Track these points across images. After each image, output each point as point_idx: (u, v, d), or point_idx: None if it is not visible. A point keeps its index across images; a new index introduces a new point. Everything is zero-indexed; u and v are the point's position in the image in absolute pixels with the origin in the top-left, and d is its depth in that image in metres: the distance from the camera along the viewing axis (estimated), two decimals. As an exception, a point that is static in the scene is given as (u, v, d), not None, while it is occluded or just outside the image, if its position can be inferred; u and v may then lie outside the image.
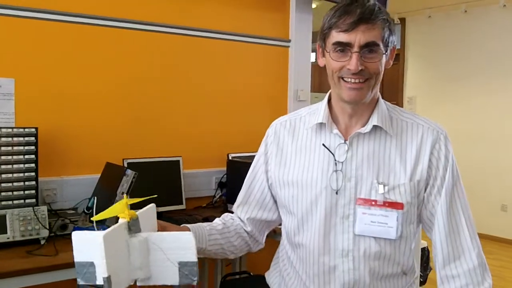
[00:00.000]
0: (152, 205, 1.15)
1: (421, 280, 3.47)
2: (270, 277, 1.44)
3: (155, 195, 1.15)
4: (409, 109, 6.37)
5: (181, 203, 2.69)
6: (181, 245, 1.05)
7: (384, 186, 1.17)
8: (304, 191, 1.24)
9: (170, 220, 2.52)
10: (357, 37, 1.11)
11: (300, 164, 1.27)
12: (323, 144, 1.24)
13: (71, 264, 1.91)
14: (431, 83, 6.36)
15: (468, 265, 1.19)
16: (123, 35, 2.67)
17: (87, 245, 0.99)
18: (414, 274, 1.31)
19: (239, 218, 1.38)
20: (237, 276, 2.70)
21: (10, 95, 2.37)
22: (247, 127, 3.07)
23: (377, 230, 1.17)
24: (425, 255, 3.56)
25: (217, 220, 1.35)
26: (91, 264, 1.00)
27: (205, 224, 1.30)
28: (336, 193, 1.20)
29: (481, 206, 5.82)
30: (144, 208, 1.11)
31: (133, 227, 1.04)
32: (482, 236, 5.22)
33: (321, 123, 1.26)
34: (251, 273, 2.66)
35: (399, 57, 6.52)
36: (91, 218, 1.17)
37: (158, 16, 2.80)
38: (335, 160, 1.22)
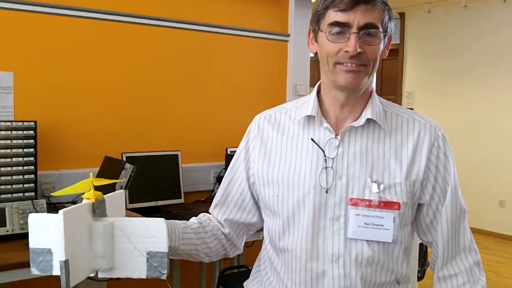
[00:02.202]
0: (122, 191, 1.05)
1: (419, 275, 3.49)
2: (251, 287, 1.32)
3: (123, 179, 1.05)
4: (408, 104, 6.38)
5: (180, 197, 2.70)
6: (151, 233, 0.93)
7: (378, 184, 1.08)
8: (290, 190, 1.13)
9: (169, 214, 2.54)
10: (356, 17, 1.02)
11: (286, 161, 1.15)
12: (312, 139, 1.13)
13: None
14: (430, 78, 6.36)
15: (465, 264, 1.18)
16: (121, 29, 2.67)
17: (44, 229, 0.88)
18: (408, 283, 1.23)
19: (216, 219, 1.26)
20: (236, 270, 2.71)
21: (9, 88, 2.37)
22: (246, 121, 3.04)
23: (372, 232, 1.07)
24: (423, 250, 3.57)
25: (193, 219, 1.23)
26: (48, 251, 0.89)
27: (179, 222, 1.17)
28: (326, 192, 1.10)
29: (479, 201, 5.84)
30: (113, 193, 1.00)
31: (98, 209, 0.93)
32: (479, 232, 5.28)
33: (309, 116, 1.15)
34: (250, 267, 2.67)
35: (398, 52, 6.51)
36: (51, 194, 1.03)
37: (157, 10, 2.79)
38: (325, 156, 1.11)
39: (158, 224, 0.94)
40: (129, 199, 2.52)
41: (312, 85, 3.53)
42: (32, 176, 2.24)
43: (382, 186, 1.08)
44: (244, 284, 1.35)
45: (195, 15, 2.94)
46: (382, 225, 1.08)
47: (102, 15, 2.60)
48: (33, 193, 2.22)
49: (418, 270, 3.44)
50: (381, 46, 1.08)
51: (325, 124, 1.14)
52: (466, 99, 5.95)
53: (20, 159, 2.22)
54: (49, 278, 1.94)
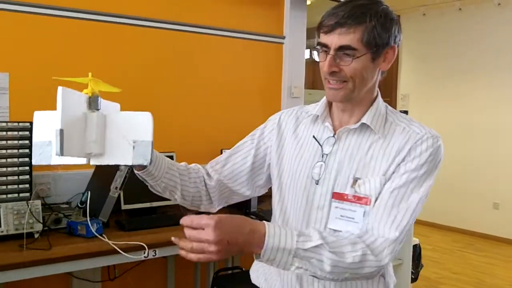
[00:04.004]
0: (118, 104, 1.16)
1: (413, 277, 3.50)
2: (253, 268, 1.44)
3: (121, 90, 1.14)
4: (402, 106, 6.41)
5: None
6: (138, 124, 1.05)
7: (357, 181, 1.18)
8: (290, 179, 1.27)
9: (164, 215, 2.54)
10: (334, 40, 1.14)
11: (294, 153, 1.30)
12: (313, 136, 1.27)
13: (65, 258, 1.95)
14: (425, 81, 6.40)
15: (375, 232, 1.14)
16: (116, 30, 2.68)
17: (47, 124, 0.99)
18: (389, 277, 1.28)
19: (208, 173, 1.36)
20: (230, 272, 2.72)
21: (5, 89, 2.37)
22: (241, 122, 3.09)
23: (345, 224, 1.17)
24: (417, 252, 3.59)
25: (183, 163, 1.35)
26: (48, 143, 1.00)
27: (168, 158, 1.28)
28: (316, 183, 1.22)
29: (473, 204, 5.88)
30: (109, 102, 1.12)
31: (93, 103, 1.05)
32: (473, 234, 5.31)
33: (317, 116, 1.29)
34: (243, 269, 2.68)
35: (393, 55, 6.54)
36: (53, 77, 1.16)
37: (152, 11, 2.80)
38: (322, 152, 1.24)
39: (145, 117, 1.06)
40: (124, 200, 2.52)
41: (307, 87, 3.54)
42: (27, 176, 2.24)
43: (359, 182, 1.18)
44: (250, 270, 1.45)
45: (190, 16, 2.95)
46: (353, 218, 1.17)
47: (97, 16, 2.60)
48: (28, 194, 2.22)
49: (411, 272, 3.46)
50: (366, 61, 1.15)
51: (326, 123, 1.27)
52: (461, 101, 5.98)
53: (15, 159, 2.22)
54: (46, 278, 1.94)
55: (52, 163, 1.00)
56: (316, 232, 1.08)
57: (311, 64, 4.03)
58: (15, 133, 2.22)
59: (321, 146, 1.25)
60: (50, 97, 2.44)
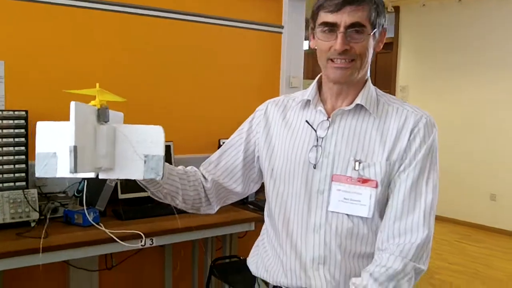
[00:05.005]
0: (121, 113, 1.14)
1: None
2: (250, 261, 1.43)
3: (125, 99, 1.11)
4: (401, 98, 6.39)
5: (172, 188, 2.69)
6: (150, 138, 1.03)
7: (360, 163, 1.17)
8: (284, 165, 1.26)
9: (161, 205, 2.54)
10: (343, 18, 1.13)
11: (286, 140, 1.28)
12: (306, 121, 1.26)
13: (61, 247, 1.95)
14: (424, 73, 6.38)
15: (400, 240, 1.15)
16: (114, 18, 2.66)
17: (52, 135, 0.98)
18: None
19: (203, 175, 1.35)
20: (227, 260, 2.72)
21: (0, 78, 2.35)
22: (239, 112, 3.03)
23: (350, 207, 1.17)
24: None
25: (180, 166, 1.33)
26: (53, 155, 0.97)
27: (166, 163, 1.23)
28: (314, 167, 1.21)
29: (470, 195, 5.88)
30: (113, 112, 1.09)
31: (102, 115, 1.02)
32: (471, 225, 5.32)
33: (308, 101, 1.28)
34: (241, 257, 2.69)
35: (392, 46, 6.52)
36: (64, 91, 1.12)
37: (148, 0, 2.78)
38: (317, 136, 1.23)
39: (156, 130, 1.04)
40: (121, 190, 2.52)
41: (305, 77, 3.53)
42: (23, 165, 2.24)
43: (363, 165, 1.17)
44: (247, 260, 1.44)
45: (188, 5, 2.93)
46: (359, 201, 1.17)
47: (94, 4, 2.58)
48: (24, 183, 2.22)
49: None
50: (371, 40, 1.18)
51: (319, 108, 1.25)
52: (460, 94, 5.97)
53: (11, 148, 2.21)
54: (42, 267, 1.94)
55: (57, 175, 0.97)
56: (366, 277, 1.11)
57: (310, 54, 4.03)
58: (11, 121, 2.21)
59: (315, 130, 1.24)
60: (46, 86, 2.45)
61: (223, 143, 2.80)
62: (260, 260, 1.36)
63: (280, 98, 1.38)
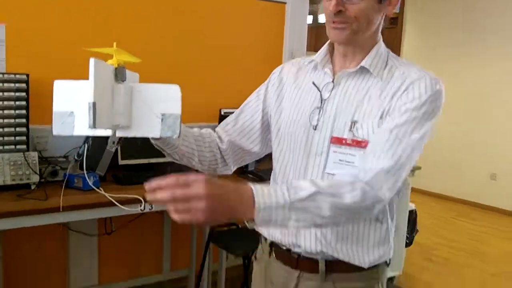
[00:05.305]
0: (137, 74, 1.13)
1: (407, 241, 3.54)
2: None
3: (140, 60, 1.11)
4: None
5: (173, 156, 2.71)
6: (167, 96, 1.04)
7: (355, 124, 1.16)
8: (288, 127, 1.27)
9: (164, 171, 2.55)
10: None
11: (294, 101, 1.29)
12: (313, 82, 1.26)
13: (60, 209, 1.96)
14: (428, 49, 6.33)
15: (369, 164, 1.09)
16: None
17: (69, 94, 0.99)
18: (389, 224, 1.25)
19: (219, 136, 1.36)
20: (225, 228, 2.75)
21: (1, 41, 2.34)
22: (240, 83, 3.07)
23: (345, 169, 1.15)
24: (413, 217, 3.62)
25: (195, 128, 1.32)
26: (71, 114, 0.98)
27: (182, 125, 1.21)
28: (314, 129, 1.21)
29: (471, 174, 5.90)
30: (130, 72, 1.09)
31: (120, 74, 1.02)
32: (470, 204, 5.31)
33: (317, 63, 1.27)
34: (239, 225, 2.71)
35: (397, 21, 6.45)
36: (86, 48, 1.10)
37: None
38: (321, 97, 1.23)
39: (174, 88, 1.05)
40: (122, 156, 2.53)
41: (308, 50, 3.50)
42: (24, 129, 2.24)
43: (356, 126, 1.16)
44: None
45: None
46: (353, 162, 1.15)
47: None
48: (24, 146, 2.23)
49: (406, 236, 3.50)
50: (372, 3, 1.14)
51: (326, 69, 1.25)
52: (463, 72, 5.93)
53: (12, 111, 2.22)
54: (41, 228, 1.96)
55: (75, 133, 0.98)
56: (306, 181, 1.05)
57: (313, 28, 3.99)
58: (12, 85, 2.21)
59: (320, 92, 1.23)
60: (48, 50, 2.44)
61: (224, 113, 2.84)
62: None
63: (298, 59, 1.38)
